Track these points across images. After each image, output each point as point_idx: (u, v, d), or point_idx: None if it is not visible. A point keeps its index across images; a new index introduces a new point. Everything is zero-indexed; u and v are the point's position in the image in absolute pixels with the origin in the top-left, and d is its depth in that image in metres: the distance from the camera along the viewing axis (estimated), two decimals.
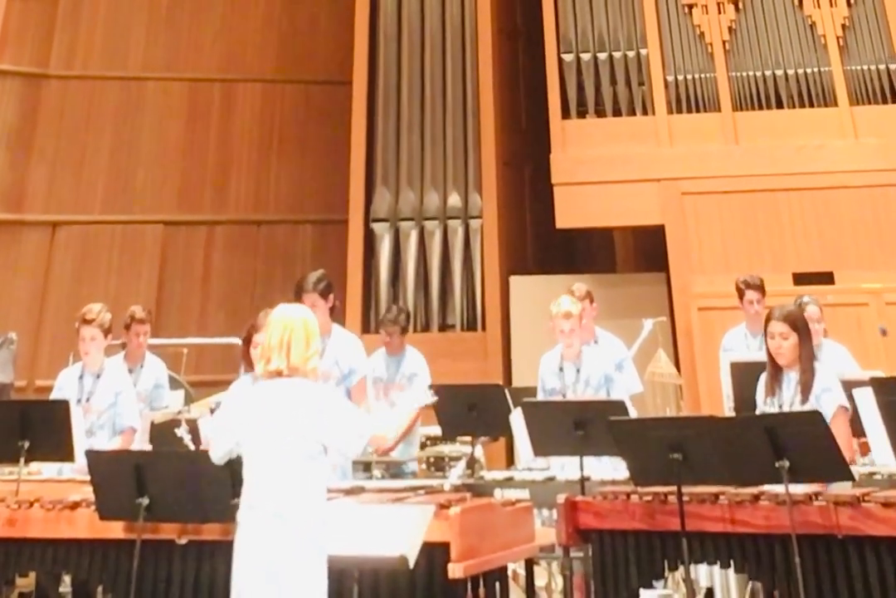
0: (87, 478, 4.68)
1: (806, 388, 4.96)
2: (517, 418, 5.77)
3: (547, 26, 10.47)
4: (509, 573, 5.10)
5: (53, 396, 6.16)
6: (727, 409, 6.29)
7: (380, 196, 10.69)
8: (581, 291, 6.85)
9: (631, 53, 10.24)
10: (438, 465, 7.12)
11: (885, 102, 9.71)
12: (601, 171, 9.84)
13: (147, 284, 11.45)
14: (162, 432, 5.81)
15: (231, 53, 12.40)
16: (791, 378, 5.05)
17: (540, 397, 6.44)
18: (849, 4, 10.07)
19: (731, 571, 4.61)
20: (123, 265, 11.52)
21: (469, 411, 6.24)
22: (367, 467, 6.57)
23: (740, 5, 10.29)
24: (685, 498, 4.44)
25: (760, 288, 7.17)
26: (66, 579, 5.30)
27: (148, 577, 4.54)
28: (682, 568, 4.49)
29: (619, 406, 5.43)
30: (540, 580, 5.80)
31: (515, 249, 10.98)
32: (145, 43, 12.18)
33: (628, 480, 4.92)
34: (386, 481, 6.40)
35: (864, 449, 5.51)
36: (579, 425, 5.30)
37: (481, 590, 4.46)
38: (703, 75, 10.05)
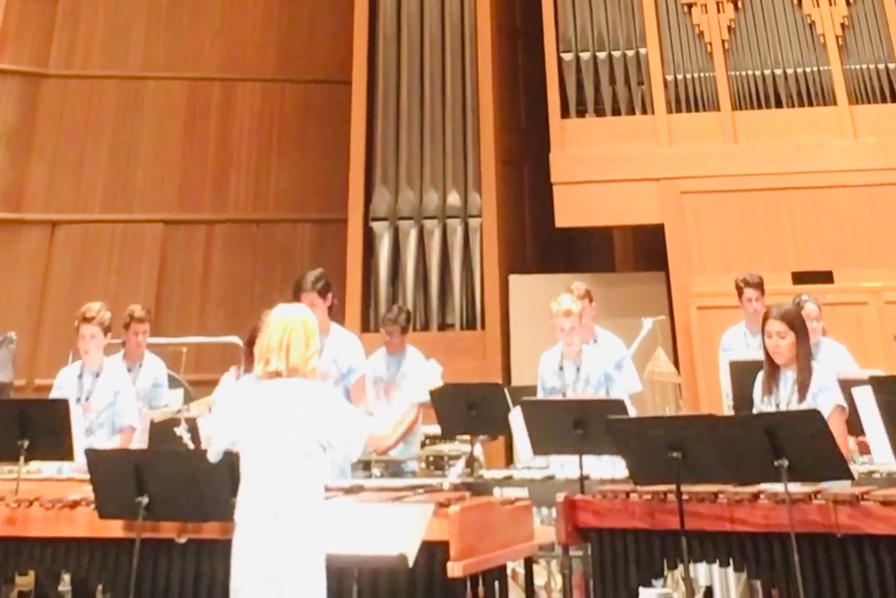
0: (87, 477, 4.68)
1: (803, 387, 4.96)
2: (516, 417, 5.76)
3: (546, 25, 10.47)
4: (508, 571, 5.10)
5: (53, 395, 6.17)
6: (726, 408, 6.29)
7: (379, 195, 10.69)
8: (580, 290, 6.85)
9: (630, 53, 10.24)
10: (438, 464, 7.11)
11: (884, 101, 9.71)
12: (600, 170, 9.84)
13: (146, 284, 11.45)
14: (161, 431, 5.81)
15: (231, 53, 12.40)
16: (788, 377, 5.05)
17: (540, 395, 6.45)
18: (848, 4, 10.07)
19: (730, 570, 4.61)
20: (123, 264, 11.52)
21: (468, 409, 6.23)
22: (366, 465, 6.58)
23: (739, 4, 10.29)
24: (684, 497, 4.44)
25: (759, 286, 7.17)
26: (66, 577, 5.31)
27: (147, 576, 4.54)
28: (681, 567, 4.49)
29: (619, 405, 5.43)
30: (539, 579, 5.80)
31: (515, 248, 10.99)
32: (145, 42, 12.18)
33: (627, 479, 4.91)
34: (385, 479, 6.40)
35: (864, 448, 5.51)
36: (578, 423, 5.30)
37: (480, 589, 4.45)
38: (702, 74, 10.05)
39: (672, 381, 8.26)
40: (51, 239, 11.40)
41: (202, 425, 5.43)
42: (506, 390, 6.40)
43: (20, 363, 9.90)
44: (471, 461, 6.22)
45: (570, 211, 9.80)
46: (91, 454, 4.69)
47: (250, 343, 5.53)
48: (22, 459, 5.22)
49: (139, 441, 6.03)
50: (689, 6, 10.34)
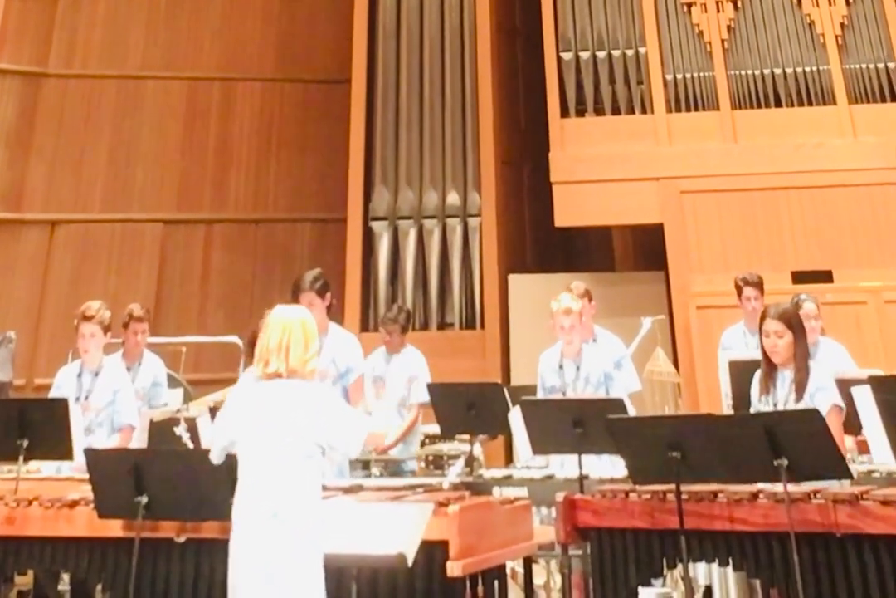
0: (86, 476, 4.67)
1: (800, 386, 4.95)
2: (516, 417, 5.77)
3: (546, 25, 10.46)
4: (508, 571, 5.10)
5: (52, 394, 6.17)
6: (725, 407, 6.30)
7: (378, 195, 10.69)
8: (579, 289, 6.85)
9: (630, 52, 10.23)
10: (437, 463, 7.12)
11: (883, 100, 9.71)
12: (600, 169, 9.84)
13: (146, 283, 11.45)
14: (161, 430, 5.81)
15: (230, 52, 12.40)
16: (786, 376, 5.04)
17: (539, 394, 6.45)
18: (847, 3, 10.07)
19: (729, 569, 4.61)
20: (122, 264, 11.52)
21: (468, 409, 6.23)
22: (365, 465, 6.58)
23: (739, 4, 10.29)
24: (684, 496, 4.44)
25: (759, 285, 7.18)
26: (65, 577, 5.29)
27: (147, 575, 4.54)
28: (680, 566, 4.49)
29: (618, 404, 5.43)
30: (538, 579, 5.80)
31: (514, 248, 10.98)
32: (144, 42, 12.18)
33: (627, 478, 4.91)
34: (384, 479, 6.41)
35: (863, 447, 5.51)
36: (578, 423, 5.30)
37: (480, 588, 4.45)
38: (701, 74, 10.04)
39: (671, 380, 8.27)
40: (50, 239, 11.40)
41: (201, 424, 5.45)
42: (505, 390, 6.41)
43: (19, 363, 9.89)
44: (470, 461, 6.22)
45: (570, 210, 9.80)
46: (90, 454, 4.69)
47: (251, 344, 5.53)
48: (21, 458, 5.22)
49: (138, 440, 6.03)
50: (689, 6, 10.33)
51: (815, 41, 10.00)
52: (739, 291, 7.20)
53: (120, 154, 11.86)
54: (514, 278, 10.46)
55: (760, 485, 4.43)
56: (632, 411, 5.84)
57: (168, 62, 12.21)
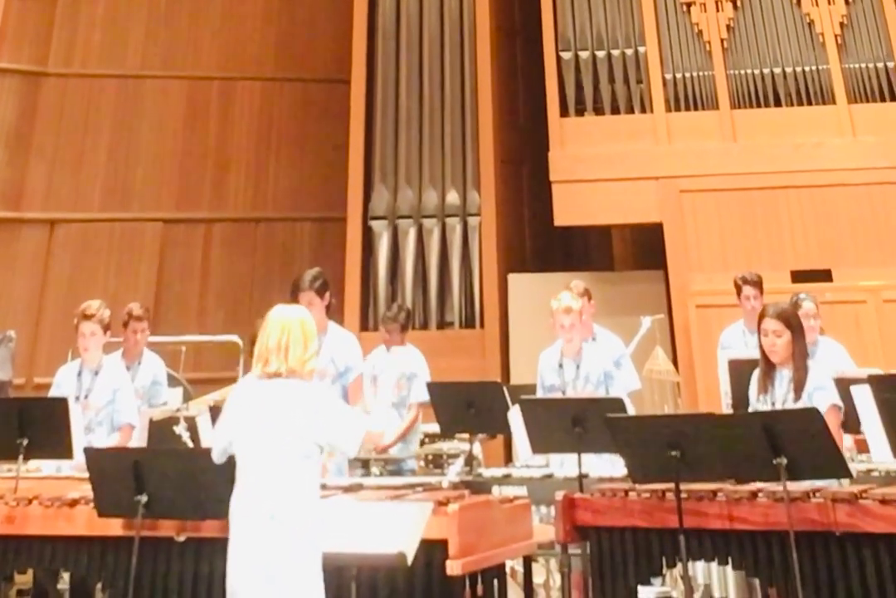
0: (86, 475, 4.68)
1: (799, 386, 4.95)
2: (515, 416, 5.76)
3: (545, 24, 10.47)
4: (507, 570, 5.10)
5: (52, 393, 6.18)
6: (725, 406, 6.30)
7: (378, 194, 10.69)
8: (579, 288, 6.85)
9: (629, 51, 10.24)
10: (437, 462, 7.13)
11: (882, 99, 9.71)
12: (599, 168, 9.84)
13: (146, 282, 11.45)
14: (161, 429, 5.82)
15: (230, 51, 12.40)
16: (784, 376, 5.04)
17: (539, 393, 6.45)
18: (847, 2, 10.07)
19: (728, 568, 4.62)
20: (122, 263, 11.52)
21: (467, 408, 6.23)
22: (365, 464, 6.58)
23: (738, 3, 10.29)
24: (683, 495, 4.44)
25: (758, 284, 7.19)
26: (65, 576, 5.31)
27: (146, 574, 4.54)
28: (680, 565, 4.50)
29: (617, 403, 5.43)
30: (538, 578, 5.80)
31: (513, 247, 10.99)
32: (144, 41, 12.18)
33: (626, 477, 4.92)
34: (384, 478, 6.41)
35: (862, 446, 5.51)
36: (577, 422, 5.30)
37: (479, 587, 4.46)
38: (701, 73, 10.04)
39: (671, 379, 8.28)
40: (50, 238, 11.40)
41: (201, 424, 5.45)
42: (505, 389, 6.41)
43: (19, 362, 9.90)
44: (470, 460, 6.22)
45: (569, 210, 9.80)
46: (90, 453, 4.69)
47: (253, 342, 5.53)
48: (21, 457, 5.21)
49: (138, 439, 6.03)
50: (688, 5, 10.33)
51: (815, 41, 10.00)
52: (739, 290, 7.22)
53: (119, 153, 11.87)
54: (513, 278, 10.46)
55: (760, 484, 4.44)
56: (631, 410, 5.84)
57: (168, 62, 12.21)
